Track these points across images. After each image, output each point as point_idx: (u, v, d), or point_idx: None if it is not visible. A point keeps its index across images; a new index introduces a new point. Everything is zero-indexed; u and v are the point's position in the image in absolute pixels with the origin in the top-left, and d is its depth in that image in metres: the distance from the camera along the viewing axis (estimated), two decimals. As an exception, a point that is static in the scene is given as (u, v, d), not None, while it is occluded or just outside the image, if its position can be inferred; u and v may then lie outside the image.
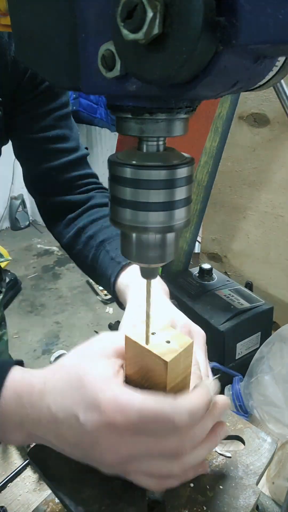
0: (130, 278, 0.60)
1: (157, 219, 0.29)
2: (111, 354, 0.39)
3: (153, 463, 0.36)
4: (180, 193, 0.29)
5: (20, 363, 0.44)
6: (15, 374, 0.41)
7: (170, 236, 0.32)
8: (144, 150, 0.30)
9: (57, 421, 0.37)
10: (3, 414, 0.39)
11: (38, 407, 0.38)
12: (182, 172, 0.29)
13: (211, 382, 0.39)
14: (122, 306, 0.60)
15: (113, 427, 0.34)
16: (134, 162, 0.29)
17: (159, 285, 0.58)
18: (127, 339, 0.39)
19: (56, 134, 0.70)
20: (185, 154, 0.31)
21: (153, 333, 0.40)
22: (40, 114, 0.68)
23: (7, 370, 0.41)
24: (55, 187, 0.74)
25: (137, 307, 0.53)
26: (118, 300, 0.64)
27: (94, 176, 0.78)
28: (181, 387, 0.40)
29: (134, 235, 0.31)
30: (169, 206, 0.29)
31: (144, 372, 0.39)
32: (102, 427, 0.35)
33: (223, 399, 0.40)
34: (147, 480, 0.38)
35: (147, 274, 0.35)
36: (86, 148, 0.77)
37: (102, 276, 0.67)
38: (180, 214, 0.30)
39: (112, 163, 0.30)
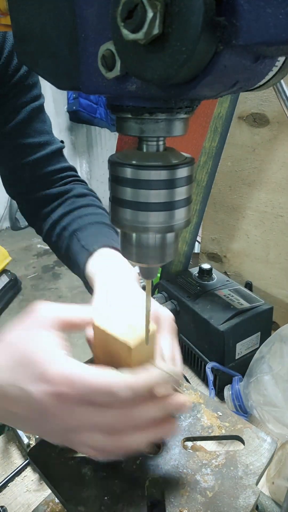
0: (98, 264, 0.61)
1: (157, 219, 0.29)
2: (51, 326, 0.40)
3: (91, 436, 0.37)
4: (180, 193, 0.29)
5: None
6: None
7: (170, 236, 0.32)
8: (144, 150, 0.30)
9: (6, 396, 0.38)
10: None
11: None
12: (182, 172, 0.29)
13: (166, 366, 0.39)
14: (91, 291, 0.60)
15: (61, 398, 0.35)
16: (134, 162, 0.29)
17: (130, 271, 0.57)
18: (95, 326, 0.41)
19: (29, 128, 0.69)
20: (185, 154, 0.31)
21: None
22: (12, 108, 0.67)
23: None
24: (32, 183, 0.73)
25: (104, 293, 0.52)
26: (87, 286, 0.64)
27: (72, 169, 0.77)
28: None
29: (134, 235, 0.32)
30: (169, 206, 0.29)
31: (110, 358, 0.40)
32: (51, 397, 0.35)
33: (182, 398, 0.39)
34: (88, 450, 0.38)
35: (147, 274, 0.35)
36: (62, 142, 0.76)
37: (75, 265, 0.67)
38: (180, 214, 0.30)
39: (112, 163, 0.30)
